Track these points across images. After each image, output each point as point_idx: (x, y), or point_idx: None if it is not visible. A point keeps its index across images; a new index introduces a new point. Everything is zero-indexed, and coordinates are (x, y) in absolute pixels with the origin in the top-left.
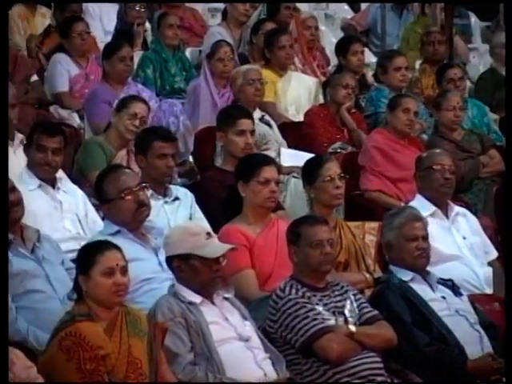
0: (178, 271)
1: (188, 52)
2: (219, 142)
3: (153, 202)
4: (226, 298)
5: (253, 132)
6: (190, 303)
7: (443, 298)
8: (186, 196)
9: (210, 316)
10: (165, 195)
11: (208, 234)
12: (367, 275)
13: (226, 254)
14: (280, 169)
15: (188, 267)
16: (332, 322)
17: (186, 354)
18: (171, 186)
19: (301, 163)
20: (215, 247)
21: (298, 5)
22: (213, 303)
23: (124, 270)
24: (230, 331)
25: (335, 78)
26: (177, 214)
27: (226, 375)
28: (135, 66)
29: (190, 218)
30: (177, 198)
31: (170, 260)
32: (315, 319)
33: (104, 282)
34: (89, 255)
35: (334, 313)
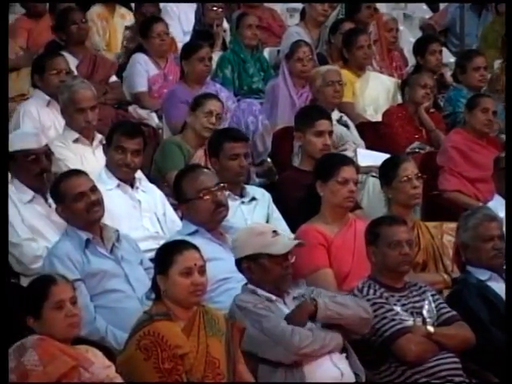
0: (248, 272)
1: (266, 52)
2: (297, 142)
3: (230, 203)
4: (297, 298)
5: (331, 133)
6: (268, 299)
7: None
8: (263, 196)
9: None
10: (241, 195)
11: (274, 232)
12: (445, 276)
13: (303, 254)
14: (358, 168)
15: (257, 267)
16: (410, 322)
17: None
18: (247, 187)
19: (378, 163)
20: (282, 244)
21: (377, 5)
22: (284, 303)
23: (202, 270)
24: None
25: (413, 78)
26: (254, 214)
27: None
28: (214, 66)
29: (268, 219)
30: (254, 199)
31: (239, 262)
32: (393, 320)
33: (182, 282)
34: (167, 255)
35: (412, 313)
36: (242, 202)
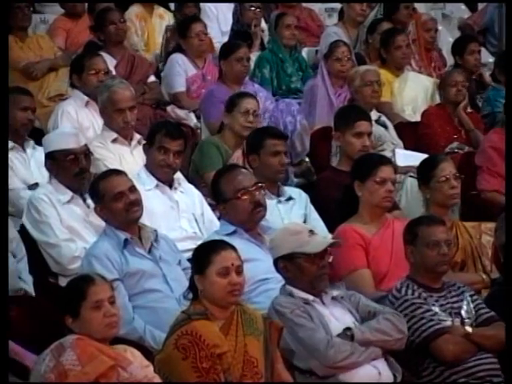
0: (285, 272)
1: (304, 52)
2: (335, 143)
3: (267, 202)
4: (335, 298)
5: (370, 134)
6: (305, 302)
7: None
8: (300, 196)
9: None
10: (278, 195)
11: (311, 231)
12: (484, 276)
13: (341, 254)
14: (396, 169)
15: (294, 266)
16: (448, 322)
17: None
18: (284, 187)
19: (416, 163)
20: (317, 243)
21: (416, 5)
22: (323, 303)
23: (239, 270)
24: (340, 330)
25: (444, 78)
26: (291, 213)
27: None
28: (252, 66)
29: (305, 219)
30: (290, 198)
31: (276, 262)
32: (431, 320)
33: (219, 282)
34: (204, 255)
35: (450, 314)
36: (279, 201)
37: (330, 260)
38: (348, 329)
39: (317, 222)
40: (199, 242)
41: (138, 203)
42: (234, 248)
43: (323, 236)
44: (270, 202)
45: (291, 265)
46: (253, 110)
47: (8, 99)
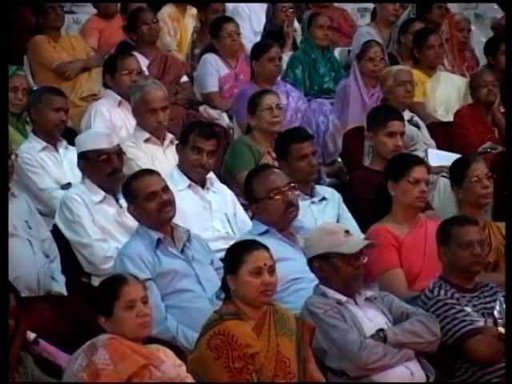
0: (319, 272)
1: (337, 52)
2: (368, 142)
3: (300, 203)
4: (368, 299)
5: (403, 134)
6: (338, 302)
7: None
8: (333, 196)
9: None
10: (311, 195)
11: (346, 232)
12: None
13: (374, 254)
14: (429, 169)
15: (329, 266)
16: (481, 323)
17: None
18: (317, 187)
19: (448, 163)
20: (353, 244)
21: (449, 5)
22: (356, 303)
23: (272, 270)
24: (373, 331)
25: (473, 79)
26: (324, 213)
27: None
28: (284, 66)
29: (338, 219)
30: (324, 198)
31: (311, 262)
32: (464, 320)
33: (252, 282)
34: (237, 255)
35: (483, 314)
36: (313, 202)
37: (365, 261)
38: (381, 330)
39: (349, 222)
40: (231, 242)
41: (170, 203)
42: (266, 248)
43: (358, 237)
44: (304, 203)
45: (326, 264)
46: (275, 104)
47: (7, 99)
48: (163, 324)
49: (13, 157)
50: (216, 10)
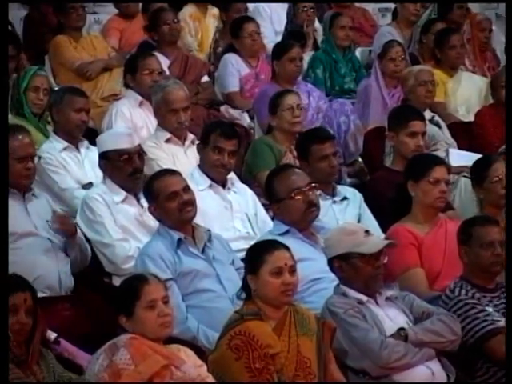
0: (339, 272)
1: (358, 52)
2: (389, 142)
3: (321, 202)
4: (389, 298)
5: (424, 134)
6: (359, 302)
7: None
8: (354, 196)
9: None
10: (333, 195)
11: (366, 232)
12: None
13: (394, 254)
14: (450, 169)
15: (349, 266)
16: (502, 323)
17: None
18: (339, 186)
19: (469, 163)
20: (373, 243)
21: (470, 5)
22: (376, 303)
23: (292, 270)
24: (394, 330)
25: (495, 79)
26: (345, 213)
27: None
28: (305, 66)
29: (359, 218)
30: (345, 198)
31: (331, 262)
32: (485, 320)
33: (272, 282)
34: (258, 254)
35: (503, 314)
36: (334, 202)
37: (385, 261)
38: (402, 329)
39: (370, 222)
40: (252, 242)
41: (191, 203)
42: (287, 248)
43: (378, 237)
44: (325, 203)
45: (346, 265)
46: (296, 104)
47: (7, 99)
48: (184, 324)
49: (36, 159)
50: (238, 10)
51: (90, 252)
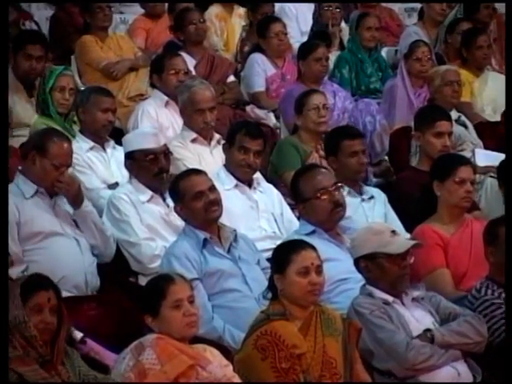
0: (366, 272)
1: (384, 52)
2: (415, 142)
3: (351, 200)
4: (415, 299)
5: (450, 134)
6: (385, 302)
7: None
8: (379, 195)
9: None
10: (361, 193)
11: (393, 231)
12: None
13: (420, 254)
14: (476, 169)
15: (375, 266)
16: None
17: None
18: (364, 186)
19: (496, 163)
20: (400, 243)
21: (496, 4)
22: (403, 304)
23: (319, 270)
24: (420, 331)
25: None
26: (374, 211)
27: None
28: (331, 66)
29: (386, 217)
30: (372, 197)
31: (357, 262)
32: None
33: (299, 281)
34: (284, 254)
35: None
36: (363, 200)
37: (412, 261)
38: (428, 330)
39: (394, 222)
40: (278, 242)
41: (217, 203)
42: (314, 248)
43: (404, 236)
44: (354, 201)
45: (372, 265)
46: (322, 104)
47: (8, 99)
48: (210, 324)
49: (70, 169)
50: (265, 13)
51: (111, 239)
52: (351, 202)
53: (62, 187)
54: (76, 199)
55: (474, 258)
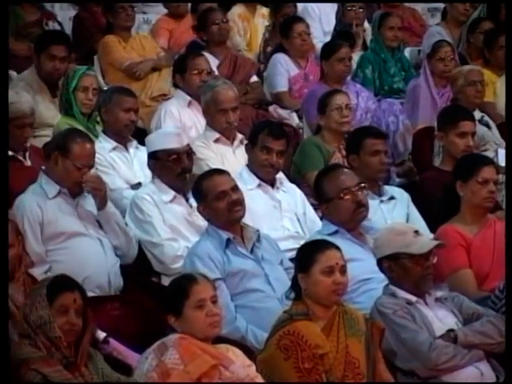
0: (388, 272)
1: (407, 51)
2: (439, 142)
3: (369, 202)
4: (439, 299)
5: (474, 134)
6: (408, 302)
7: None
8: (401, 195)
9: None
10: (380, 195)
11: (416, 232)
12: None
13: (443, 254)
14: (499, 169)
15: (398, 267)
16: None
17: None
18: (385, 186)
19: None
20: (423, 244)
21: None
22: (426, 304)
23: (343, 270)
24: (443, 332)
25: None
26: (393, 213)
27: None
28: (354, 66)
29: (407, 218)
30: (392, 198)
31: (380, 262)
32: None
33: (324, 281)
34: (309, 254)
35: None
36: (381, 201)
37: (435, 261)
38: (451, 330)
39: (418, 222)
40: (301, 242)
41: (240, 202)
42: (338, 248)
43: (427, 236)
44: (373, 203)
45: (395, 265)
46: (345, 104)
47: (8, 99)
48: (233, 324)
49: (93, 170)
50: (288, 13)
51: (134, 240)
52: (370, 203)
53: (91, 187)
54: (103, 200)
55: (497, 258)
